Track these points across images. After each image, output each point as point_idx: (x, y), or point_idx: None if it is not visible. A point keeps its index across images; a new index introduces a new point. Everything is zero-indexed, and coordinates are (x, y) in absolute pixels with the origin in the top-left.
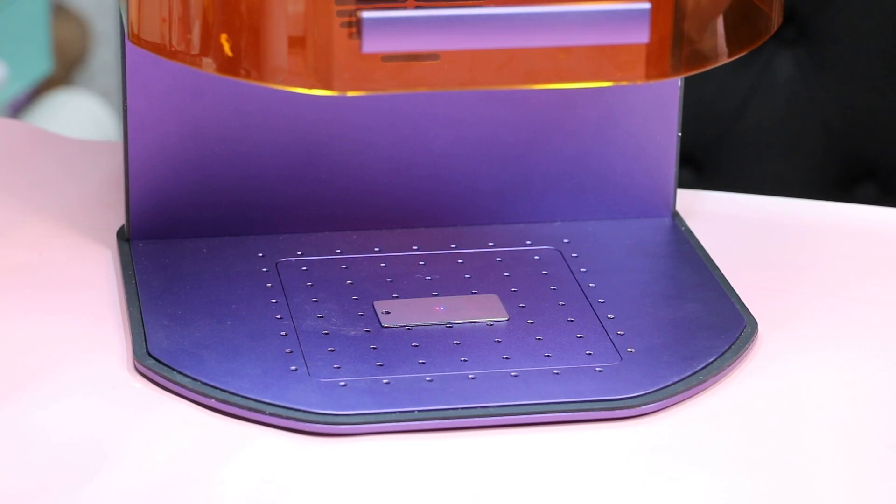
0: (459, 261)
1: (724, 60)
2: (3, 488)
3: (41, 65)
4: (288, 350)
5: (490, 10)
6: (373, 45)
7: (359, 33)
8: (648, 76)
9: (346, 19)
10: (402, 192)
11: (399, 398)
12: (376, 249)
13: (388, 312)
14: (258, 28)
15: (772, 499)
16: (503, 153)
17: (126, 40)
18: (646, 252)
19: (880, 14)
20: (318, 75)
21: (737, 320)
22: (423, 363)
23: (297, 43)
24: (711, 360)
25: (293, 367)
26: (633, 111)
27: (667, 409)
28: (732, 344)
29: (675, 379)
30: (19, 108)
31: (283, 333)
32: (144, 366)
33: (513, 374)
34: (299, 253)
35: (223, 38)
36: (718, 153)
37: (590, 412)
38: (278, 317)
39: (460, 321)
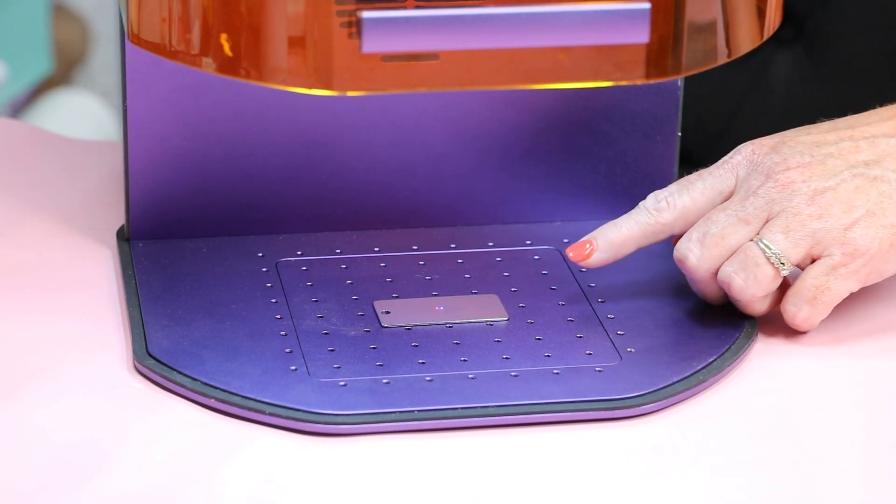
0: (459, 261)
1: (724, 60)
2: (3, 488)
3: (41, 65)
4: (288, 350)
5: (490, 10)
6: (373, 45)
7: (359, 33)
8: (648, 76)
9: (346, 19)
10: (402, 192)
11: (399, 398)
12: (376, 249)
13: (387, 312)
14: (258, 28)
15: (772, 499)
16: (503, 153)
17: (126, 40)
18: (646, 252)
19: (878, 13)
20: (318, 75)
21: (737, 320)
22: (423, 363)
23: (297, 43)
24: (711, 360)
25: (293, 367)
26: (633, 111)
27: (667, 409)
28: (732, 344)
29: (675, 379)
30: (19, 108)
31: (283, 333)
32: (144, 366)
33: (513, 374)
34: (299, 253)
35: (223, 38)
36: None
37: (590, 412)
38: (278, 317)
39: (460, 321)
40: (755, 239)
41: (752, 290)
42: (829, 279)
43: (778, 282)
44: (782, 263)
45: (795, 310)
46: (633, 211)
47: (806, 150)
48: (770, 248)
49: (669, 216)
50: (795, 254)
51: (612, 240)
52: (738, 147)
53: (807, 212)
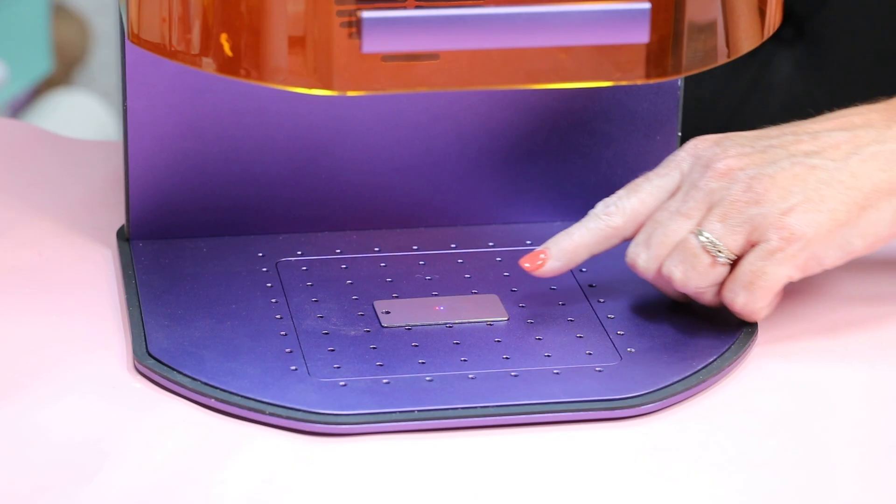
0: (459, 261)
1: (724, 60)
2: (3, 488)
3: (41, 65)
4: (288, 350)
5: (490, 10)
6: (373, 45)
7: (359, 33)
8: (648, 76)
9: (346, 19)
10: (402, 192)
11: (399, 398)
12: (376, 249)
13: (388, 312)
14: (258, 28)
15: (772, 498)
16: (503, 153)
17: (126, 40)
18: None
19: (878, 13)
20: (318, 75)
21: (737, 321)
22: (423, 363)
23: (297, 43)
24: (711, 360)
25: (293, 367)
26: (633, 111)
27: (667, 409)
28: (732, 344)
29: (675, 379)
30: (19, 108)
31: (283, 333)
32: (144, 366)
33: (513, 373)
34: (299, 253)
35: (223, 38)
36: None
37: (590, 412)
38: (278, 317)
39: (460, 321)
40: (694, 231)
41: (694, 281)
42: (765, 264)
43: (717, 270)
44: (719, 252)
45: (733, 296)
46: (584, 218)
47: (747, 143)
48: (707, 238)
49: (619, 220)
50: (734, 241)
51: (564, 248)
52: (683, 144)
53: (744, 199)
